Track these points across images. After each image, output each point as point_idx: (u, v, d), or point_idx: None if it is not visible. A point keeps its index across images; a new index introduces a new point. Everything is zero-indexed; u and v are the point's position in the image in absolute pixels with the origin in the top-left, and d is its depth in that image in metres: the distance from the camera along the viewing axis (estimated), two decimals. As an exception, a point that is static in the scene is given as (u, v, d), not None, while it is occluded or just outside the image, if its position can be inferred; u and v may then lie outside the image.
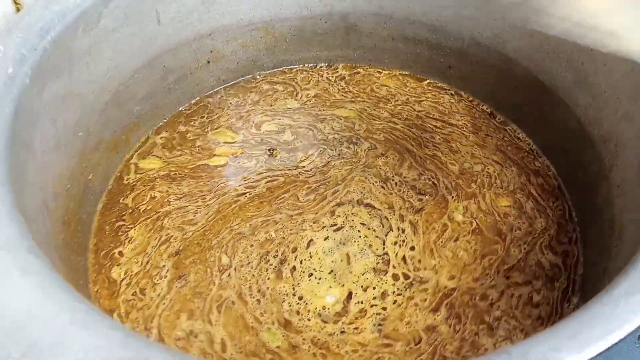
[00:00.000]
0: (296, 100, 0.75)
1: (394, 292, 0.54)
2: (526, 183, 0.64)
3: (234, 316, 0.53)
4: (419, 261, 0.56)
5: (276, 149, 0.68)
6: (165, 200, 0.63)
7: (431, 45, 0.76)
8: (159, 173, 0.66)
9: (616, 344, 0.30)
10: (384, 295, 0.54)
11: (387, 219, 0.60)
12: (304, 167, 0.66)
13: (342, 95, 0.76)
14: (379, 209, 0.61)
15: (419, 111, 0.73)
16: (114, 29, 0.60)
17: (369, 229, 0.59)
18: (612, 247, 0.50)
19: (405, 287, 0.55)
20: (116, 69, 0.62)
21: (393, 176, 0.64)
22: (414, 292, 0.54)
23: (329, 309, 0.53)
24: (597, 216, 0.56)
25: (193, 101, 0.75)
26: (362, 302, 0.54)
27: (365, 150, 0.68)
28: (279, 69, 0.80)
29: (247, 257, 0.57)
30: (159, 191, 0.64)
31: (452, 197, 0.62)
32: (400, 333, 0.51)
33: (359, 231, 0.59)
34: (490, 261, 0.57)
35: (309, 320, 0.52)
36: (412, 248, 0.58)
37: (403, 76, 0.80)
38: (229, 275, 0.56)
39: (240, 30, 0.74)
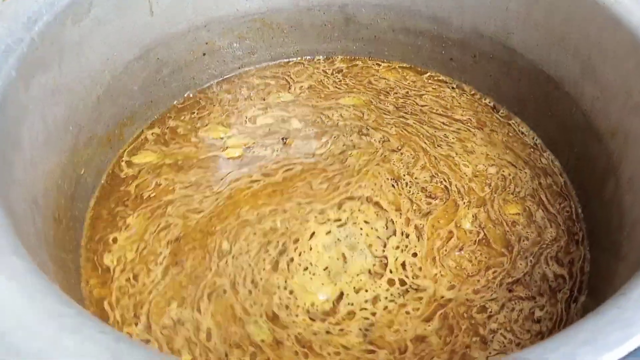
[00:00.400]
0: (290, 92, 0.74)
1: (386, 298, 0.52)
2: (537, 189, 0.61)
3: (223, 305, 0.52)
4: (420, 269, 0.54)
5: (289, 137, 0.67)
6: (171, 188, 0.62)
7: (432, 37, 0.74)
8: (165, 161, 0.64)
9: (636, 350, 0.29)
10: (375, 299, 0.52)
11: (393, 222, 0.58)
12: (321, 154, 0.65)
13: (336, 88, 0.74)
14: (386, 210, 0.59)
15: (422, 106, 0.72)
16: (105, 20, 0.58)
17: (372, 228, 0.57)
18: (622, 245, 0.48)
19: (399, 293, 0.52)
20: (108, 62, 0.60)
21: (405, 175, 0.62)
22: (407, 300, 0.52)
23: (317, 306, 0.52)
24: (605, 212, 0.54)
25: (186, 95, 0.73)
26: (352, 304, 0.52)
27: (379, 141, 0.66)
28: (276, 62, 0.78)
29: (248, 245, 0.56)
30: (165, 178, 0.62)
31: (464, 202, 0.60)
32: (387, 341, 0.49)
33: (361, 229, 0.57)
34: (494, 274, 0.54)
35: (296, 316, 0.51)
36: (415, 255, 0.55)
37: (403, 69, 0.78)
38: (227, 262, 0.55)
39: (236, 21, 0.72)
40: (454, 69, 0.75)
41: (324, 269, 0.54)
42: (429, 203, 0.60)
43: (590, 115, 0.59)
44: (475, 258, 0.55)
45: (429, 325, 0.50)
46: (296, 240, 0.56)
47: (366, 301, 0.52)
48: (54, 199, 0.53)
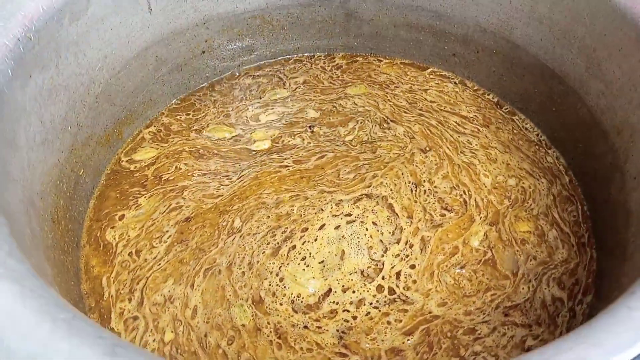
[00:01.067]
0: (285, 89, 0.73)
1: (371, 304, 0.51)
2: (551, 205, 0.59)
3: (214, 285, 0.52)
4: (414, 282, 0.53)
5: (316, 125, 0.66)
6: (189, 174, 0.62)
7: (434, 32, 0.73)
8: (184, 148, 0.65)
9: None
10: (360, 302, 0.51)
11: (401, 229, 0.56)
12: (350, 140, 0.65)
13: (331, 83, 0.74)
14: (398, 215, 0.58)
15: (431, 102, 0.71)
16: (103, 18, 0.57)
17: (377, 230, 0.56)
18: (628, 244, 0.47)
19: (385, 302, 0.51)
20: (106, 60, 0.60)
21: (425, 182, 0.61)
22: (391, 310, 0.51)
23: (303, 298, 0.51)
24: (611, 210, 0.53)
25: (184, 96, 0.72)
26: (336, 303, 0.51)
27: (405, 135, 0.66)
28: (276, 59, 0.77)
29: (258, 227, 0.57)
30: (184, 164, 0.63)
31: (481, 217, 0.58)
32: (361, 347, 0.49)
33: (366, 229, 0.56)
34: (493, 296, 0.52)
35: (280, 304, 0.51)
36: (413, 266, 0.54)
37: (404, 64, 0.77)
38: (233, 240, 0.56)
39: (236, 18, 0.71)
40: (457, 64, 0.74)
41: (320, 262, 0.54)
42: (443, 215, 0.58)
43: (596, 111, 0.58)
44: (476, 278, 0.53)
45: (408, 339, 0.49)
46: (305, 229, 0.56)
47: (351, 303, 0.51)
48: (52, 200, 0.52)
